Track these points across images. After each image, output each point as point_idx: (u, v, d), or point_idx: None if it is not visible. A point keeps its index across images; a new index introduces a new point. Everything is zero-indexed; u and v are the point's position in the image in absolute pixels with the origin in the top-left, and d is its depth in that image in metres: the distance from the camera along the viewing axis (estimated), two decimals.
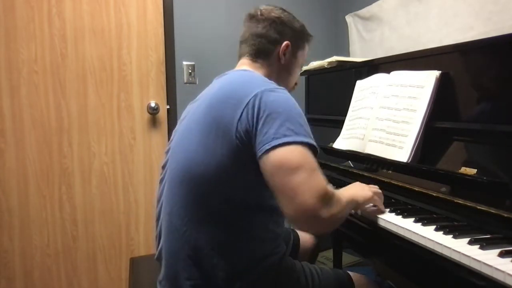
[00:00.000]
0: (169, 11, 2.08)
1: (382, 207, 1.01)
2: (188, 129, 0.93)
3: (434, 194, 0.97)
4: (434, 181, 1.00)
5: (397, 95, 1.19)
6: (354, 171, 1.31)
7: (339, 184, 1.30)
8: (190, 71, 2.15)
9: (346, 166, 1.38)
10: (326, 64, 1.71)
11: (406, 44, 1.82)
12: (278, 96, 0.85)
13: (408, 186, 1.06)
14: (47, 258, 1.91)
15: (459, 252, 0.73)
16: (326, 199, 0.78)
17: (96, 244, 1.99)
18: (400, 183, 1.09)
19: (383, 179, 1.16)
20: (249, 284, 0.90)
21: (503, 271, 0.65)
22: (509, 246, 0.74)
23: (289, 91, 1.13)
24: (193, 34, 2.13)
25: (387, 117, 1.20)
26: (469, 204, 0.87)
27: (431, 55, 1.18)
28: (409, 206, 1.04)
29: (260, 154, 0.81)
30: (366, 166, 1.28)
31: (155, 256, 1.01)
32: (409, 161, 1.07)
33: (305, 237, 1.38)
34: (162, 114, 2.06)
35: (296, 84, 1.16)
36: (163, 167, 1.03)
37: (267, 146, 0.79)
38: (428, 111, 1.07)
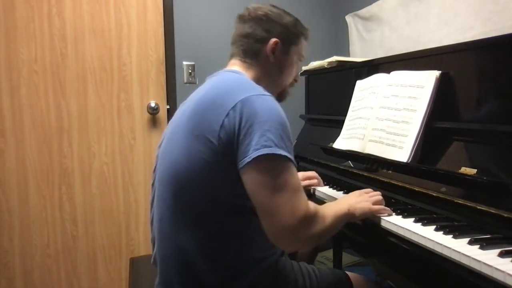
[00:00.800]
0: (169, 11, 2.08)
1: (385, 211, 0.98)
2: (174, 133, 0.93)
3: (434, 194, 0.97)
4: (434, 181, 0.99)
5: (397, 95, 1.19)
6: (354, 171, 1.31)
7: (339, 184, 1.30)
8: (190, 71, 2.15)
9: (346, 166, 1.38)
10: (326, 64, 1.71)
11: (406, 44, 1.82)
12: (262, 104, 0.83)
13: (408, 186, 1.06)
14: (47, 258, 1.91)
15: (459, 252, 0.73)
16: (307, 220, 0.79)
17: (96, 244, 1.99)
18: (400, 183, 1.09)
19: (383, 179, 1.15)
20: (246, 286, 0.89)
21: (503, 271, 0.65)
22: (509, 246, 0.74)
23: (287, 89, 1.11)
24: (193, 34, 2.13)
25: (387, 117, 1.20)
26: (469, 204, 0.87)
27: (431, 55, 1.18)
28: (409, 206, 1.04)
29: (241, 166, 0.80)
30: (366, 166, 1.28)
31: (151, 261, 1.01)
32: (409, 161, 1.07)
33: None
34: (162, 114, 2.06)
35: (296, 81, 1.13)
36: (154, 171, 1.02)
37: (247, 159, 0.78)
38: (428, 111, 1.07)
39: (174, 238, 0.89)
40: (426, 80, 1.10)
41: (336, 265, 1.95)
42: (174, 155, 0.89)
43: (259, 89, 0.88)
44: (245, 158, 0.79)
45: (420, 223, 0.89)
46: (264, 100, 0.84)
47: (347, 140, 1.40)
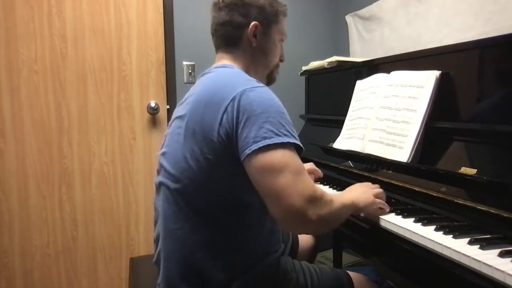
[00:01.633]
0: (169, 11, 2.08)
1: (385, 207, 0.99)
2: (175, 133, 0.93)
3: (434, 194, 0.97)
4: (434, 181, 1.00)
5: (397, 95, 1.19)
6: (354, 171, 1.31)
7: (339, 184, 1.30)
8: (190, 71, 2.15)
9: (346, 166, 1.38)
10: (326, 64, 1.71)
11: (406, 44, 1.82)
12: (257, 96, 0.83)
13: (408, 186, 1.06)
14: (47, 258, 1.91)
15: (459, 252, 0.73)
16: (314, 200, 0.78)
17: (96, 244, 1.99)
18: (400, 183, 1.09)
19: (383, 179, 1.15)
20: (247, 284, 0.90)
21: (503, 271, 0.65)
22: (509, 246, 0.74)
23: (274, 70, 1.09)
24: (193, 34, 2.13)
25: (387, 117, 1.20)
26: (469, 204, 0.87)
27: (431, 55, 1.18)
28: (409, 206, 1.04)
29: (242, 158, 0.81)
30: (366, 166, 1.28)
31: (153, 260, 1.01)
32: (409, 161, 1.07)
33: (304, 237, 1.38)
34: (162, 114, 2.06)
35: (281, 61, 1.10)
36: (158, 172, 1.03)
37: (248, 151, 0.79)
38: (428, 111, 1.07)
39: (178, 236, 0.90)
40: (426, 80, 1.10)
41: (336, 265, 1.95)
42: (176, 155, 0.90)
43: (253, 82, 0.88)
44: (245, 150, 0.79)
45: (420, 223, 0.89)
46: (259, 92, 0.85)
47: (347, 140, 1.40)
